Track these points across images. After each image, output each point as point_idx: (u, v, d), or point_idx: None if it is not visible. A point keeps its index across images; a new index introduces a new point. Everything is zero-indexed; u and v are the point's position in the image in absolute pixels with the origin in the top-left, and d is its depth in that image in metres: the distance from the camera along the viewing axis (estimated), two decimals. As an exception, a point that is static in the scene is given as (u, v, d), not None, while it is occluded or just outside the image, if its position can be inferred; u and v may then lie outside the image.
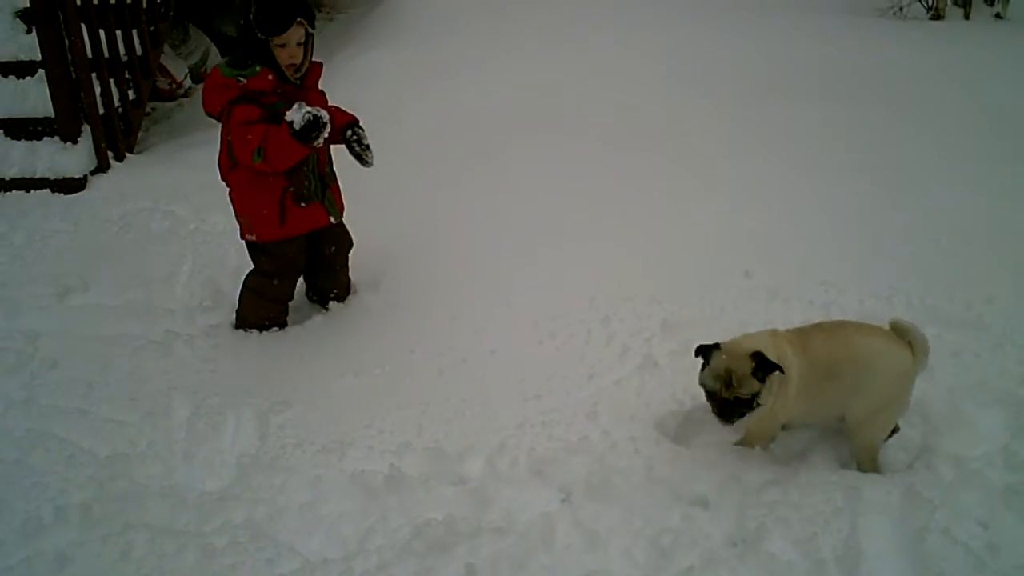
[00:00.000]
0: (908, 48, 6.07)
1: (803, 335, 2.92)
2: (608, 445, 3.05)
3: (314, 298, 4.10)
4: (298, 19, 3.42)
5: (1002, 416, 3.04)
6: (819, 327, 2.99)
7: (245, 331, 3.93)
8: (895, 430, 2.98)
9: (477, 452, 3.11)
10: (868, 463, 2.90)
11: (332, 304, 4.05)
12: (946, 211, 4.23)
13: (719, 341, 2.84)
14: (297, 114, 3.34)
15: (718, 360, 2.78)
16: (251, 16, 3.40)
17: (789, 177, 4.65)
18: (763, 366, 2.72)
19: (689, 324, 3.60)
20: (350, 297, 4.09)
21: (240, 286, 3.94)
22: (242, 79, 3.46)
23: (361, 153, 3.70)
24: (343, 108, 3.80)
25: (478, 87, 5.89)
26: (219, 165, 3.71)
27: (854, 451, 2.93)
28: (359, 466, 3.08)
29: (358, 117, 3.79)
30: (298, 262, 3.85)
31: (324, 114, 3.38)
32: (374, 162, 3.72)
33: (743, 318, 3.59)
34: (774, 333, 2.91)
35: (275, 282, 3.84)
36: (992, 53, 5.96)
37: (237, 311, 3.96)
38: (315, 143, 3.39)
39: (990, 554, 2.51)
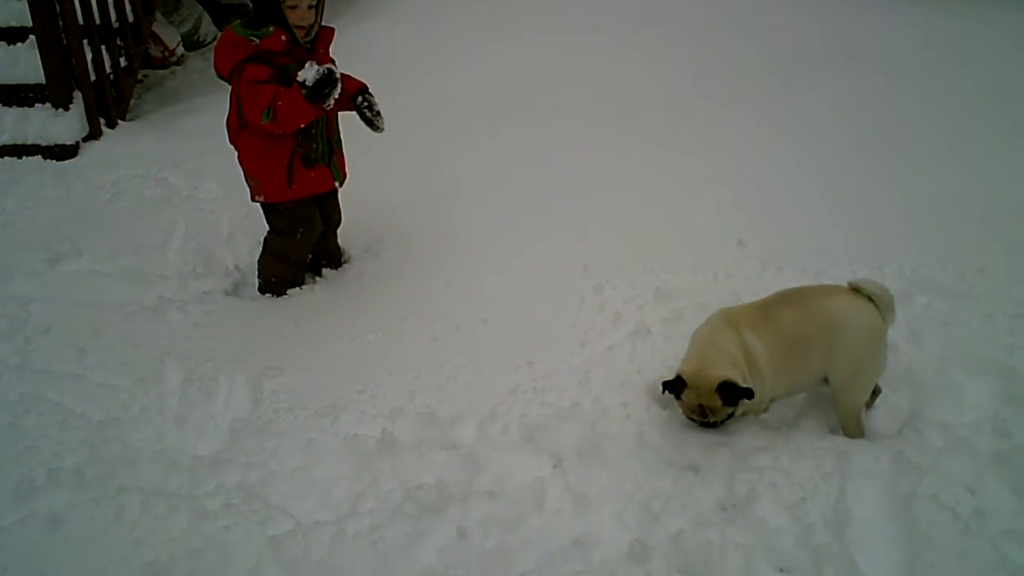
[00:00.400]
0: (905, 23, 6.07)
1: (766, 311, 2.92)
2: (600, 411, 3.07)
3: (310, 265, 4.08)
4: None
5: (991, 385, 3.05)
6: (782, 298, 2.98)
7: (270, 295, 3.94)
8: (876, 392, 3.00)
9: (469, 418, 3.12)
10: (853, 427, 2.92)
11: (325, 271, 4.05)
12: (941, 183, 4.24)
13: (680, 372, 2.84)
14: (310, 72, 3.32)
15: (688, 397, 2.83)
16: None
17: (785, 149, 4.66)
18: (731, 397, 2.77)
19: (682, 292, 3.61)
20: (344, 264, 4.09)
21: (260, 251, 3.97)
22: (255, 39, 3.44)
23: (372, 119, 3.69)
24: (352, 75, 3.78)
25: (477, 61, 5.90)
26: (227, 126, 3.69)
27: (839, 416, 2.95)
28: (351, 430, 3.09)
29: (367, 84, 3.78)
30: (314, 221, 3.84)
31: (336, 72, 3.36)
32: (384, 128, 3.71)
33: (736, 287, 3.60)
34: (730, 321, 2.91)
35: (291, 241, 3.83)
36: (990, 27, 5.95)
37: (258, 274, 3.97)
38: (326, 103, 3.36)
39: (977, 519, 2.53)
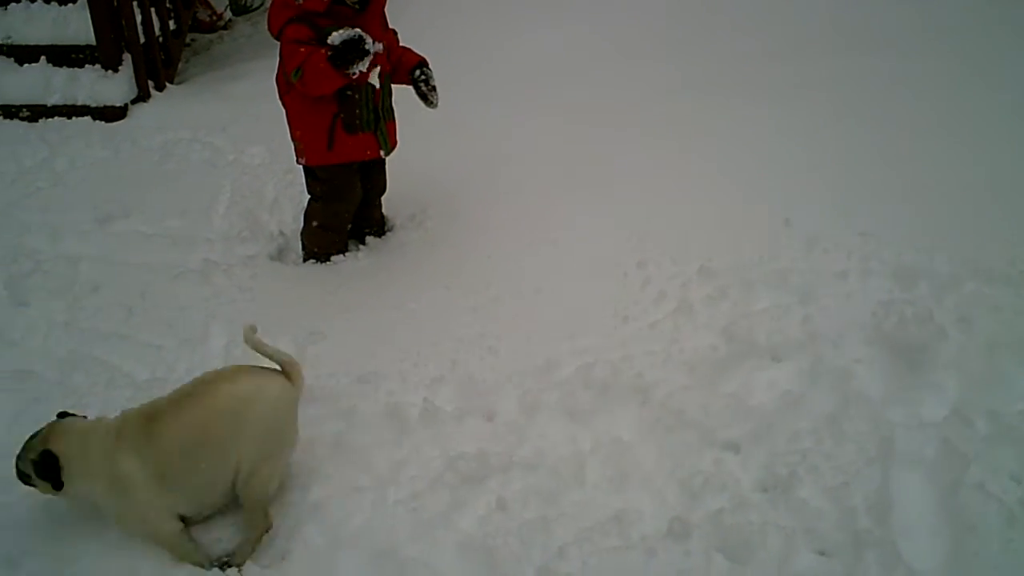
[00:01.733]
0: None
1: (149, 422, 2.60)
2: (641, 388, 3.05)
3: (353, 231, 4.10)
4: None
5: (1042, 373, 3.00)
6: (182, 397, 2.66)
7: (313, 261, 3.98)
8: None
9: (510, 389, 3.13)
10: (260, 517, 2.60)
11: (369, 239, 4.06)
12: (995, 166, 4.14)
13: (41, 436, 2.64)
14: (340, 35, 3.29)
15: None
16: None
17: (831, 125, 4.57)
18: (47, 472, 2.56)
19: (726, 270, 3.57)
20: (388, 232, 4.11)
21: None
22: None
23: (427, 93, 3.69)
24: (412, 49, 3.79)
25: (530, 33, 5.85)
26: (277, 83, 3.70)
27: (245, 507, 2.62)
28: (393, 398, 3.11)
29: (427, 58, 3.78)
30: (352, 190, 3.85)
31: (368, 40, 3.32)
32: (438, 103, 3.71)
33: (781, 266, 3.56)
34: (98, 433, 2.62)
35: (328, 208, 3.85)
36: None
37: (302, 245, 4.01)
38: (350, 70, 3.33)
39: (1023, 509, 2.50)
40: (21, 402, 3.24)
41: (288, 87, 3.60)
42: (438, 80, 3.74)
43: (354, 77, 3.37)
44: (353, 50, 3.29)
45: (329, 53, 3.29)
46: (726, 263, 3.63)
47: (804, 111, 4.72)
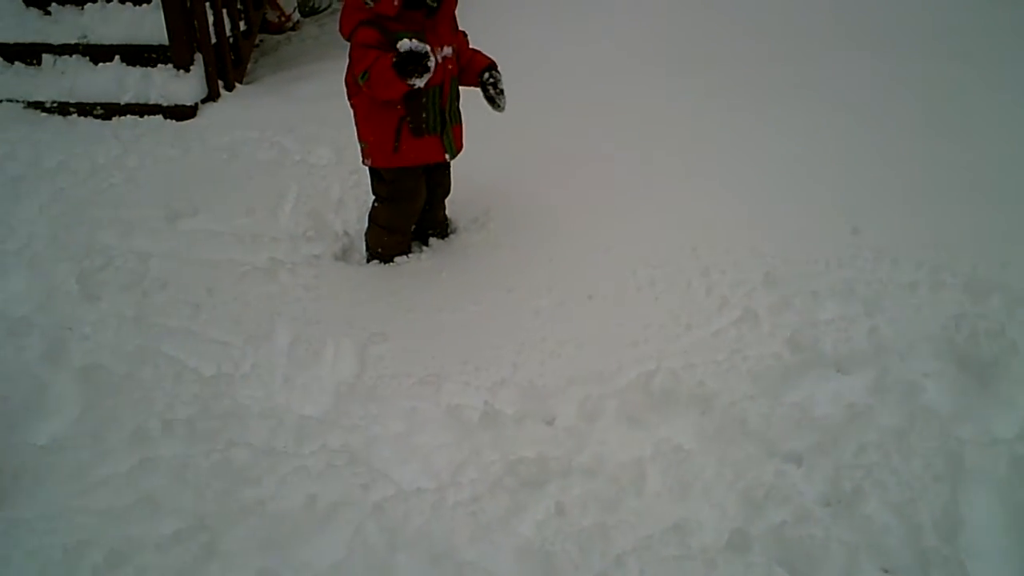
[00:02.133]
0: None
1: None
2: (703, 396, 3.03)
3: (416, 233, 4.13)
4: None
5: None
6: None
7: (376, 262, 4.01)
8: None
9: (571, 394, 3.12)
10: None
11: (432, 240, 4.09)
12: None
13: None
14: (407, 44, 3.30)
15: None
16: None
17: (901, 133, 4.50)
18: None
19: (792, 279, 3.53)
20: (451, 234, 4.13)
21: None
22: (369, 3, 3.47)
23: (495, 96, 3.71)
24: (483, 51, 3.81)
25: (594, 27, 5.83)
26: (346, 85, 3.73)
27: None
28: (454, 400, 3.12)
29: (495, 61, 3.80)
30: (417, 192, 3.87)
31: (428, 55, 3.31)
32: (506, 107, 3.73)
33: (848, 276, 3.51)
34: None
35: (393, 210, 3.88)
36: None
37: (366, 246, 4.05)
38: (411, 80, 3.34)
39: (1099, 533, 2.43)
40: (90, 395, 3.31)
41: (356, 89, 3.63)
42: (503, 79, 3.75)
43: (413, 86, 3.38)
44: (414, 62, 3.30)
45: (394, 59, 3.31)
46: (791, 272, 3.59)
47: (873, 118, 4.65)
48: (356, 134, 3.82)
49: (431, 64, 3.33)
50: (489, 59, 3.79)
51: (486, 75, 3.72)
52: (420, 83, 3.36)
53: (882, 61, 5.20)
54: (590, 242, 3.90)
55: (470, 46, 3.81)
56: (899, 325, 3.22)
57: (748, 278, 3.57)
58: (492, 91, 3.71)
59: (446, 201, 4.09)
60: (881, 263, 3.57)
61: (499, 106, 3.72)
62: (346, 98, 3.77)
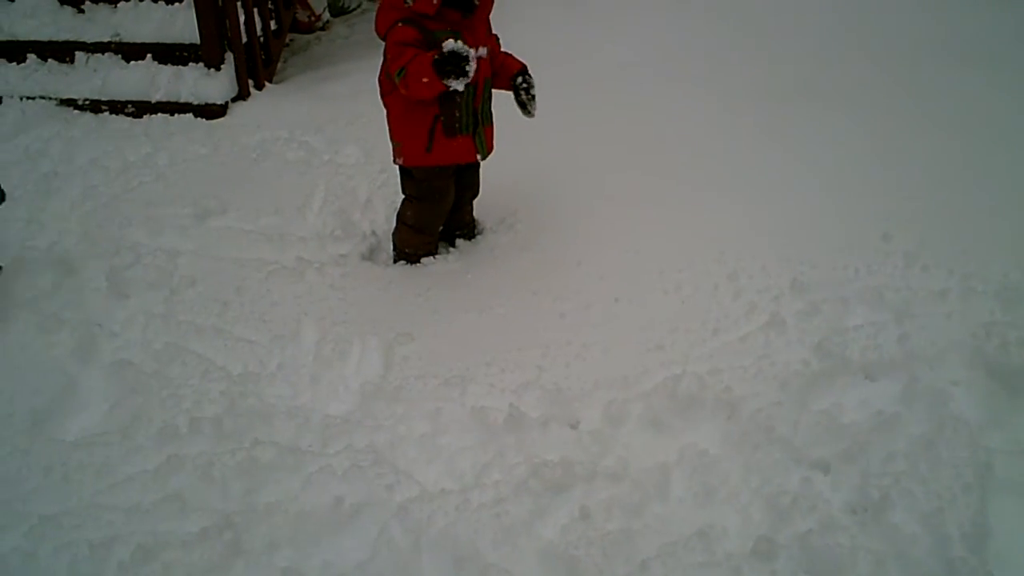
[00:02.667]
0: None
1: None
2: (729, 402, 3.01)
3: (443, 234, 4.13)
4: None
5: None
6: None
7: (403, 262, 4.02)
8: None
9: (596, 397, 3.12)
10: None
11: (459, 241, 4.09)
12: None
13: None
14: (451, 44, 3.29)
15: None
16: None
17: (933, 137, 4.45)
18: None
19: (820, 285, 3.50)
20: (478, 235, 4.13)
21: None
22: (409, 1, 3.48)
23: (527, 101, 3.72)
24: (513, 55, 3.82)
25: (621, 33, 5.81)
26: (379, 84, 3.74)
27: None
28: (479, 402, 3.12)
29: (527, 65, 3.81)
30: (446, 192, 3.88)
31: (471, 56, 3.30)
32: (536, 113, 3.74)
33: (878, 283, 3.47)
34: None
35: (422, 210, 3.89)
36: None
37: (392, 246, 4.06)
38: (449, 80, 3.33)
39: None
40: (118, 392, 3.35)
41: (391, 87, 3.64)
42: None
43: (450, 87, 3.38)
44: (456, 63, 3.29)
45: (436, 57, 3.30)
46: (820, 277, 3.56)
47: (894, 123, 4.61)
48: (388, 133, 3.83)
49: (471, 69, 3.31)
50: (521, 63, 3.79)
51: (519, 79, 3.73)
52: (458, 86, 3.35)
53: (909, 67, 5.16)
54: (617, 245, 3.89)
55: (501, 49, 3.80)
56: (929, 332, 3.18)
57: (776, 283, 3.55)
58: (524, 95, 3.72)
59: (474, 202, 4.09)
60: (911, 270, 3.54)
61: (530, 111, 3.74)
62: (379, 96, 3.77)
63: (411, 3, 3.48)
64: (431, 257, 4.00)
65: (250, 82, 5.81)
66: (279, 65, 6.29)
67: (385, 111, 3.80)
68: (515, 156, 4.22)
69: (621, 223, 4.04)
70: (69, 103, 5.83)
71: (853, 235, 3.76)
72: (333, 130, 5.22)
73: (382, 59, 3.65)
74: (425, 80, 3.37)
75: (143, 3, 6.03)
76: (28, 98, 5.86)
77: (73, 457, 3.02)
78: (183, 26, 5.81)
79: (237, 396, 3.27)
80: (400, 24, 3.50)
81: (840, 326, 3.28)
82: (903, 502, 2.56)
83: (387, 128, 3.83)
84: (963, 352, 3.06)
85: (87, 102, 5.81)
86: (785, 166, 4.32)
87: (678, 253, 3.79)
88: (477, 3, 3.56)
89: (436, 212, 3.90)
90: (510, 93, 3.78)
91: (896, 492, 2.59)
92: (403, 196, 3.94)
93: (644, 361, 3.27)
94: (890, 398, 2.95)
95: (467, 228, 4.12)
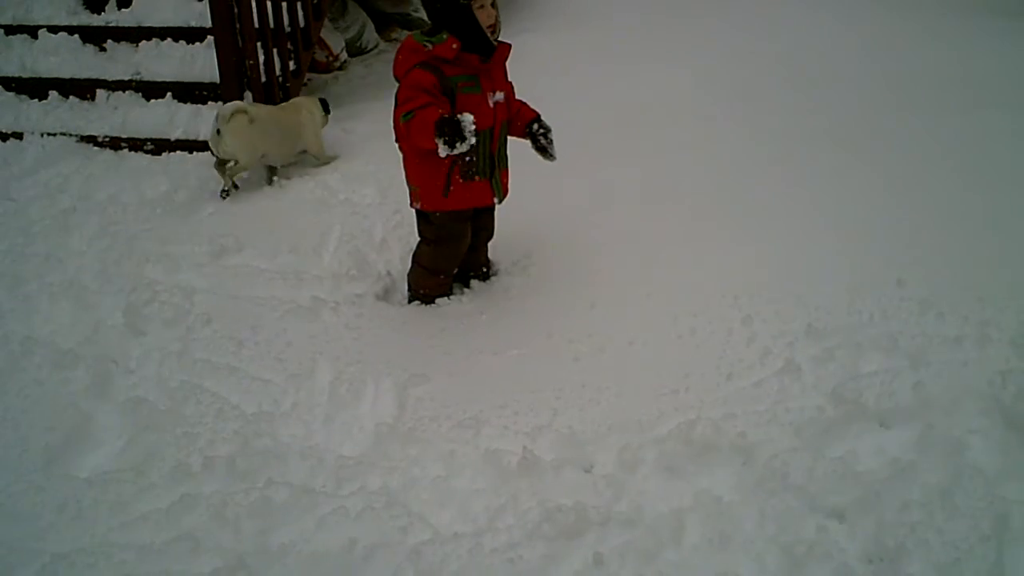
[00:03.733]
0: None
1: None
2: (743, 448, 3.00)
3: (457, 275, 4.14)
4: None
5: None
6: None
7: (417, 303, 4.04)
8: None
9: (610, 442, 3.11)
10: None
11: (473, 282, 4.11)
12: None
13: None
14: (464, 117, 3.33)
15: None
16: None
17: (949, 182, 4.46)
18: None
19: (835, 331, 3.49)
20: (492, 277, 4.14)
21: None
22: (428, 45, 3.53)
23: (546, 146, 3.76)
24: (528, 104, 3.88)
25: (636, 75, 5.86)
26: (395, 128, 3.76)
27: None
28: (493, 445, 3.12)
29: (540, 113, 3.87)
30: (463, 236, 3.91)
31: (469, 133, 3.34)
32: (556, 156, 3.78)
33: (892, 329, 3.46)
34: None
35: (438, 252, 3.91)
36: None
37: (408, 286, 4.09)
38: (441, 143, 3.36)
39: None
40: (133, 429, 3.36)
41: (403, 132, 3.67)
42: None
43: (441, 154, 3.40)
44: (453, 131, 3.32)
45: (440, 118, 3.35)
46: (834, 323, 3.56)
47: (912, 168, 4.61)
48: (404, 176, 3.86)
49: (462, 146, 3.35)
50: (535, 111, 3.85)
51: (535, 126, 3.78)
52: (443, 152, 3.37)
53: (929, 110, 5.18)
54: (630, 288, 3.90)
55: (515, 97, 3.85)
56: (944, 380, 3.17)
57: (790, 328, 3.54)
58: (543, 140, 3.75)
59: (488, 244, 4.11)
60: (926, 316, 3.53)
61: (551, 155, 3.77)
62: (394, 140, 3.81)
63: (430, 47, 3.53)
64: (446, 298, 4.01)
65: (268, 121, 5.86)
66: (296, 105, 6.34)
67: (401, 155, 3.83)
68: (529, 199, 4.24)
69: (634, 266, 4.05)
70: (89, 140, 5.92)
71: (868, 281, 3.76)
72: (349, 169, 5.27)
73: (394, 102, 3.69)
74: (426, 134, 3.41)
75: (164, 42, 6.14)
76: (49, 134, 5.95)
77: (87, 494, 3.03)
78: (203, 65, 5.90)
79: (251, 435, 3.28)
80: (418, 68, 3.55)
81: (855, 372, 3.26)
82: (919, 552, 2.53)
83: (403, 171, 3.86)
84: (979, 400, 3.04)
85: (107, 139, 5.89)
86: (800, 210, 4.32)
87: (692, 297, 3.79)
88: (496, 48, 3.61)
89: (452, 255, 3.92)
90: (526, 141, 3.81)
91: (912, 542, 2.56)
92: (419, 238, 3.96)
93: (658, 405, 3.26)
94: (905, 446, 2.93)
95: (482, 269, 4.14)
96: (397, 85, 3.68)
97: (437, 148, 3.38)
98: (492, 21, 3.56)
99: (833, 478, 2.84)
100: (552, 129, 3.81)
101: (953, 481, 2.76)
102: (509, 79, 3.81)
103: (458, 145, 3.34)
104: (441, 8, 3.53)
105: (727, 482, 2.88)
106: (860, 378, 3.22)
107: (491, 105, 3.65)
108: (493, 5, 3.56)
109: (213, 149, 5.03)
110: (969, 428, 2.94)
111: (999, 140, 4.78)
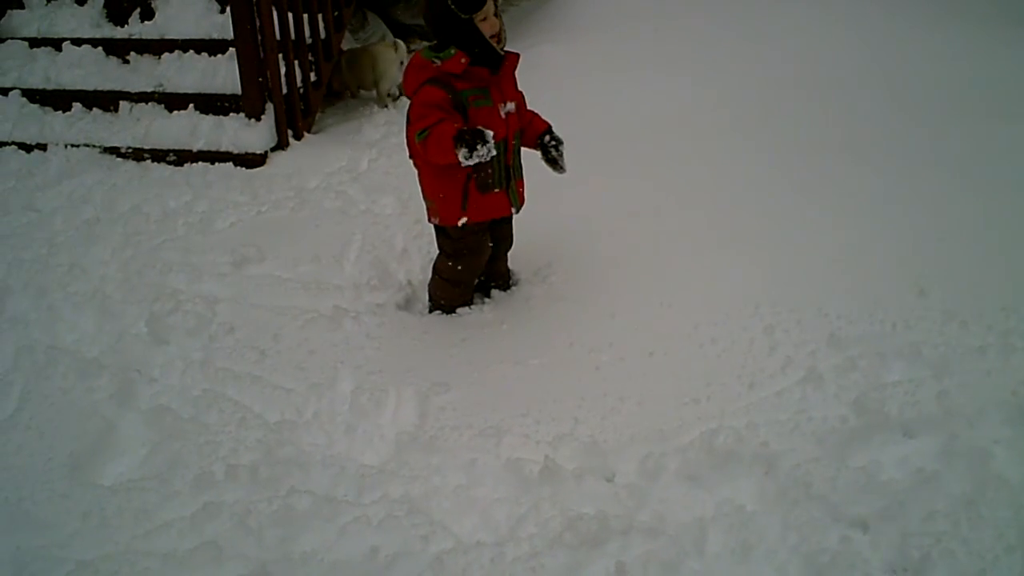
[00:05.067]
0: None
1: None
2: (766, 457, 2.99)
3: (478, 285, 4.15)
4: None
5: None
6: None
7: (439, 312, 4.05)
8: None
9: (632, 451, 3.11)
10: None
11: (494, 292, 4.11)
12: None
13: None
14: (482, 131, 3.34)
15: None
16: (449, 2, 3.46)
17: (970, 192, 4.43)
18: None
19: (857, 340, 3.48)
20: (513, 286, 4.15)
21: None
22: (436, 61, 3.54)
23: (557, 158, 3.76)
24: (539, 114, 3.89)
25: (651, 85, 5.86)
26: (408, 145, 3.78)
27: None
28: (515, 454, 3.12)
29: (551, 124, 3.88)
30: (481, 248, 3.91)
31: (491, 145, 3.36)
32: (567, 168, 3.78)
33: (916, 339, 3.44)
34: None
35: (458, 265, 3.92)
36: None
37: (428, 296, 4.10)
38: (462, 155, 3.36)
39: None
40: (156, 437, 3.38)
41: (417, 148, 3.66)
42: (561, 130, 3.80)
43: (462, 163, 3.40)
44: (476, 137, 3.33)
45: (460, 131, 3.35)
46: (857, 332, 3.54)
47: (932, 177, 4.58)
48: (421, 193, 3.87)
49: (486, 149, 3.36)
50: (547, 123, 3.86)
51: (546, 137, 3.78)
52: (467, 160, 3.37)
53: (948, 120, 5.15)
54: (651, 297, 3.89)
55: (527, 107, 3.85)
56: (968, 389, 3.15)
57: (812, 338, 3.53)
58: (554, 152, 3.75)
59: (508, 254, 4.12)
60: (949, 325, 3.51)
61: (561, 167, 3.77)
62: (408, 156, 3.82)
63: (439, 63, 3.53)
64: (467, 308, 4.02)
65: (289, 132, 5.92)
66: (317, 115, 6.39)
67: (417, 171, 3.84)
68: (549, 208, 4.25)
69: (655, 275, 4.04)
70: (112, 151, 5.97)
71: (890, 290, 3.74)
72: (370, 180, 5.30)
73: (407, 119, 3.69)
74: (444, 148, 3.41)
75: (187, 54, 6.20)
76: (72, 145, 6.02)
77: (111, 502, 3.05)
78: (225, 77, 5.95)
79: (273, 444, 3.29)
80: (428, 85, 3.55)
81: (878, 382, 3.25)
82: (944, 563, 2.52)
83: (419, 187, 3.87)
84: (1003, 410, 3.02)
85: (130, 150, 5.95)
86: (821, 220, 4.31)
87: (713, 306, 3.78)
88: (504, 58, 3.62)
89: (472, 266, 3.93)
90: (536, 152, 3.82)
91: (937, 552, 2.55)
92: (438, 252, 3.97)
93: (680, 414, 3.26)
94: (929, 455, 2.91)
95: (502, 279, 4.14)
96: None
97: (457, 160, 3.39)
98: (496, 31, 3.56)
99: (856, 488, 2.83)
100: (564, 142, 3.80)
101: (978, 491, 2.74)
102: (519, 89, 3.81)
103: (479, 150, 3.34)
104: (445, 25, 3.53)
105: (749, 491, 2.88)
106: (883, 388, 3.21)
107: (503, 116, 3.65)
108: (496, 15, 3.56)
109: None
110: (994, 438, 2.93)
111: (1017, 148, 4.76)
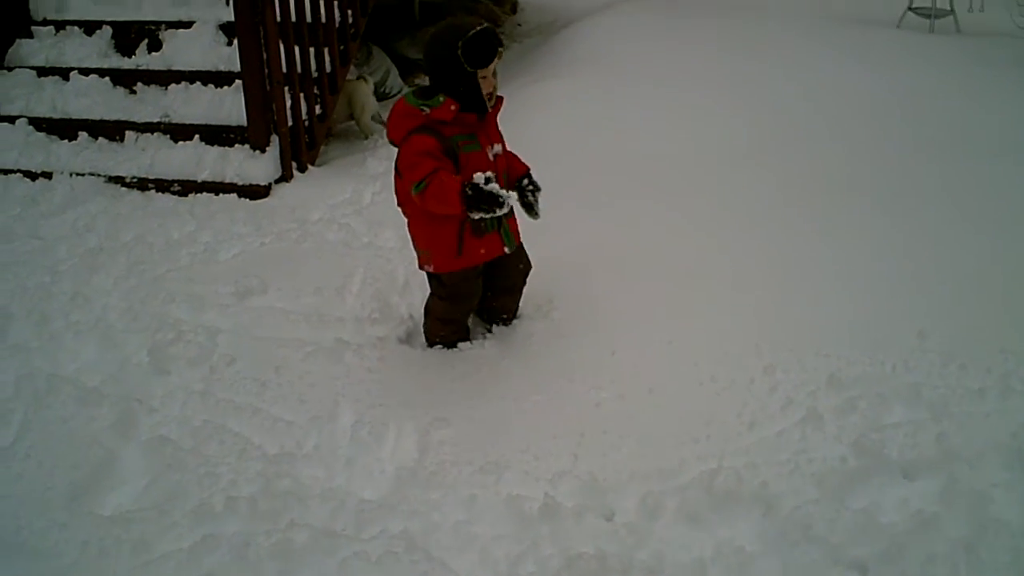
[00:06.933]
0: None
1: None
2: (766, 498, 2.99)
3: (485, 317, 4.17)
4: (499, 48, 3.54)
5: None
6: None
7: (434, 347, 4.05)
8: None
9: (631, 489, 3.10)
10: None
11: (495, 327, 4.12)
12: None
13: None
14: (487, 184, 3.33)
15: None
16: (459, 52, 3.45)
17: (970, 234, 4.47)
18: None
19: (857, 381, 3.49)
20: (515, 321, 4.16)
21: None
22: (425, 109, 3.54)
23: (533, 203, 3.75)
24: (519, 156, 3.91)
25: (654, 121, 5.90)
26: (396, 193, 3.79)
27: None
28: (514, 490, 3.12)
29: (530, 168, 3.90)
30: (476, 289, 3.92)
31: (505, 201, 3.35)
32: (541, 214, 3.78)
33: (915, 380, 3.46)
34: None
35: (451, 306, 3.94)
36: None
37: (424, 334, 4.10)
38: (472, 212, 3.38)
39: None
40: (156, 468, 3.38)
41: (408, 197, 3.65)
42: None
43: (471, 217, 3.44)
44: (491, 203, 3.33)
45: (468, 192, 3.33)
46: (856, 373, 3.56)
47: (934, 219, 4.62)
48: (411, 241, 3.88)
49: (501, 212, 3.38)
50: (526, 165, 3.88)
51: (524, 181, 3.79)
52: (484, 215, 3.39)
53: (950, 160, 5.20)
54: (652, 335, 3.90)
55: (507, 148, 3.86)
56: (967, 432, 3.17)
57: (812, 378, 3.54)
58: (531, 197, 3.75)
59: (523, 289, 4.12)
60: (948, 368, 3.53)
61: (536, 212, 3.77)
62: (396, 204, 3.83)
63: (428, 111, 3.54)
64: (468, 342, 4.03)
65: (294, 164, 5.97)
66: (322, 148, 6.44)
67: (407, 220, 3.84)
68: (551, 244, 4.27)
69: (656, 312, 4.05)
70: (117, 180, 6.01)
71: (890, 331, 3.76)
72: (372, 213, 5.33)
73: (394, 167, 3.69)
74: (447, 202, 3.39)
75: (193, 86, 6.25)
76: (78, 174, 6.05)
77: (110, 532, 3.04)
78: (231, 108, 6.00)
79: (273, 476, 3.29)
80: (417, 133, 3.55)
81: (878, 423, 3.26)
82: (944, 608, 2.52)
83: (409, 235, 3.88)
84: (1003, 453, 3.04)
85: (135, 180, 5.98)
86: (822, 260, 4.33)
87: (713, 345, 3.79)
88: (491, 106, 3.64)
89: (466, 308, 3.97)
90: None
91: (936, 597, 2.55)
92: (431, 292, 3.98)
93: (680, 453, 3.26)
94: (929, 498, 2.92)
95: (509, 314, 4.12)
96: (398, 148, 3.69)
97: (468, 216, 3.40)
98: (491, 89, 3.58)
99: (856, 530, 2.83)
100: (541, 188, 3.79)
101: (978, 534, 2.75)
102: (499, 129, 3.81)
103: (496, 213, 3.37)
104: (446, 72, 3.52)
105: (749, 532, 2.88)
106: (883, 429, 3.22)
107: (491, 158, 3.67)
108: (494, 75, 3.58)
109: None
110: (993, 481, 2.94)
111: (1017, 190, 4.80)
